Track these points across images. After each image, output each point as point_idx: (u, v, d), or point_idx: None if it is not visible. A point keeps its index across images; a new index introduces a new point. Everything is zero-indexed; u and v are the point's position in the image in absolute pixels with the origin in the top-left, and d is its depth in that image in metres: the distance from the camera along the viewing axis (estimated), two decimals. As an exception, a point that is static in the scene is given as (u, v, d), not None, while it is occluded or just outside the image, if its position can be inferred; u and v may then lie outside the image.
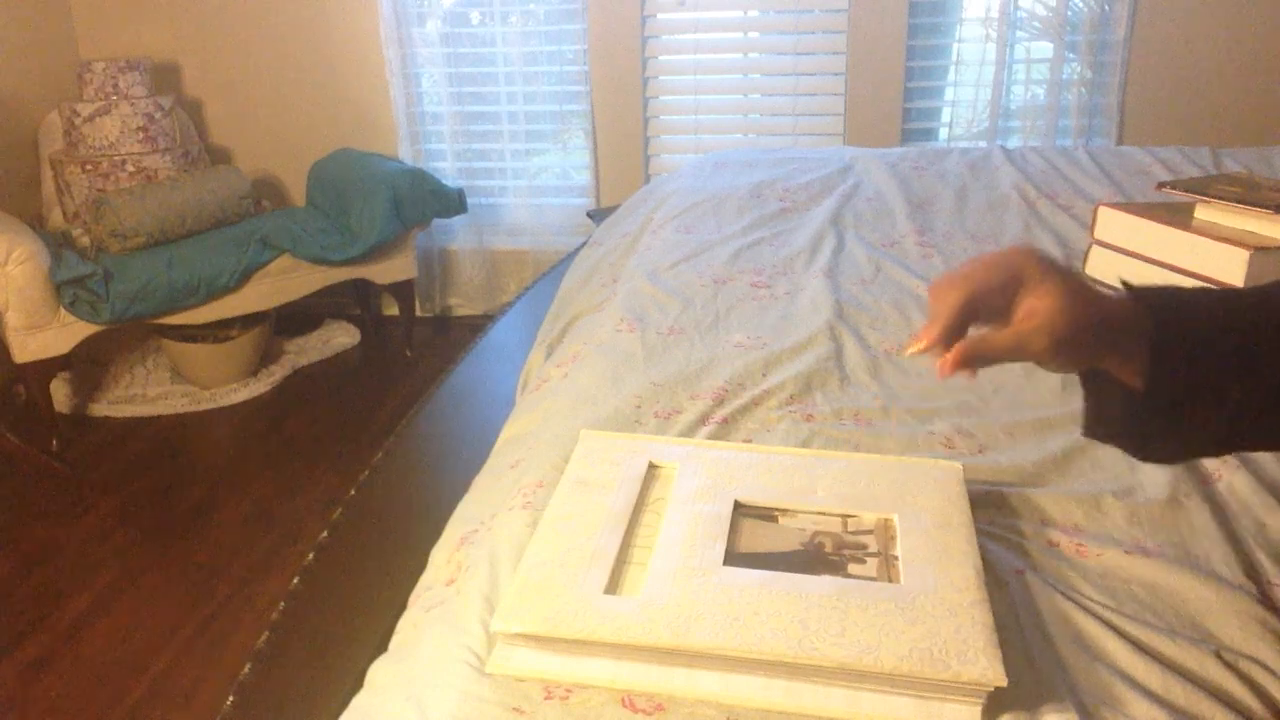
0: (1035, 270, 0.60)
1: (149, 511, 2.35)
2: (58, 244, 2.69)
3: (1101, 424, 0.64)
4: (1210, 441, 0.62)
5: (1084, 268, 1.29)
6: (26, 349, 2.53)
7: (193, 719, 1.72)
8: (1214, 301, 0.62)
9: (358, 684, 0.76)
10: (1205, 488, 0.86)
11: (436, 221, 3.23)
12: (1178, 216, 1.20)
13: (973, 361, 0.59)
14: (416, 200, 3.01)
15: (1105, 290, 0.61)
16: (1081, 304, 0.59)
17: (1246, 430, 0.61)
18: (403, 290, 3.19)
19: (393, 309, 3.37)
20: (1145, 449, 0.64)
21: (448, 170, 3.36)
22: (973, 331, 0.61)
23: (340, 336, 3.34)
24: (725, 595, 0.67)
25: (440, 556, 0.90)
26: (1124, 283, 0.62)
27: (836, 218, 1.65)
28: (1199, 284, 1.13)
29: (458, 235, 3.44)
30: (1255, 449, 0.62)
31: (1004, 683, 0.60)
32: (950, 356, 0.59)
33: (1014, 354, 0.59)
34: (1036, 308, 0.59)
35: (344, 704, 0.73)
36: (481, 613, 0.73)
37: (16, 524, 2.32)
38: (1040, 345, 0.58)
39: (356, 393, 2.99)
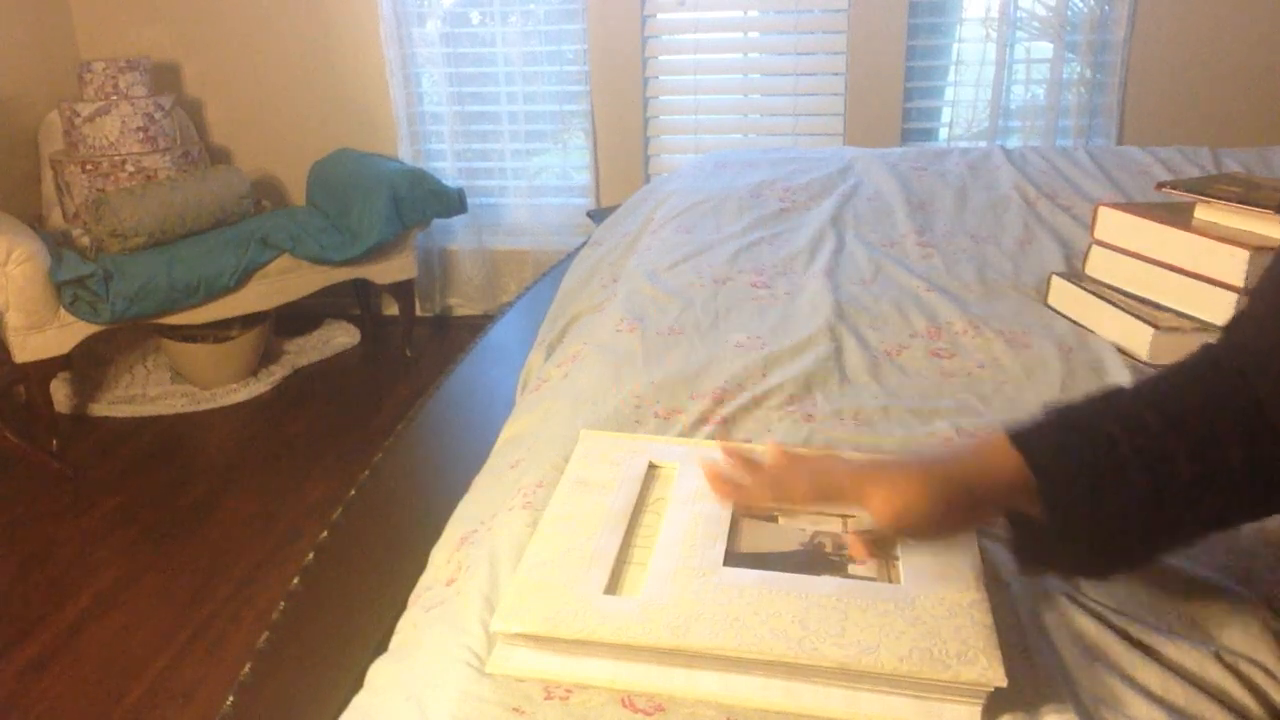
0: (861, 483, 0.64)
1: (149, 511, 2.36)
2: (58, 244, 2.69)
3: (1028, 560, 0.67)
4: (1140, 549, 0.65)
5: (1084, 268, 1.29)
6: (26, 349, 2.53)
7: (192, 719, 1.72)
8: (1093, 428, 0.64)
9: (358, 684, 0.76)
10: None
11: (436, 221, 3.23)
12: (1178, 216, 1.20)
13: (874, 546, 0.65)
14: (416, 200, 3.01)
15: (974, 451, 0.65)
16: (930, 494, 0.63)
17: (1172, 528, 0.64)
18: (403, 290, 3.19)
19: (393, 309, 3.37)
20: (1075, 572, 0.68)
21: (448, 170, 3.36)
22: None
23: (340, 336, 3.34)
24: (725, 595, 0.67)
25: (440, 556, 0.90)
26: (1007, 430, 0.65)
27: (836, 218, 1.65)
28: (1187, 289, 1.13)
29: (458, 235, 3.44)
30: (1191, 541, 0.66)
31: (1004, 683, 0.60)
32: (857, 551, 0.65)
33: (902, 534, 0.65)
34: (886, 506, 0.63)
35: (344, 704, 0.73)
36: (481, 613, 0.73)
37: (16, 524, 2.32)
38: (912, 530, 0.64)
39: (356, 393, 2.99)
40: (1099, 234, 1.28)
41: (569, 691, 0.65)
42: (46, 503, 2.41)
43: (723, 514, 0.77)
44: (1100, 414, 0.65)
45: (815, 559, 0.73)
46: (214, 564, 2.14)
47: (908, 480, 0.63)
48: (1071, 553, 0.64)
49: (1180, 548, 0.65)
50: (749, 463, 0.69)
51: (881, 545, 0.64)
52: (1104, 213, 1.28)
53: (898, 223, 1.64)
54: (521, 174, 3.38)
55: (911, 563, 0.71)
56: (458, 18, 3.28)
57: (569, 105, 3.26)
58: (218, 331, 2.91)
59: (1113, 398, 0.66)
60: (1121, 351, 1.14)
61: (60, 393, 2.84)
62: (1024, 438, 0.64)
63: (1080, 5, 2.86)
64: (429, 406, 1.54)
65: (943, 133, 3.14)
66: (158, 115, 2.97)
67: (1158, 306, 1.17)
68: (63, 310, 2.54)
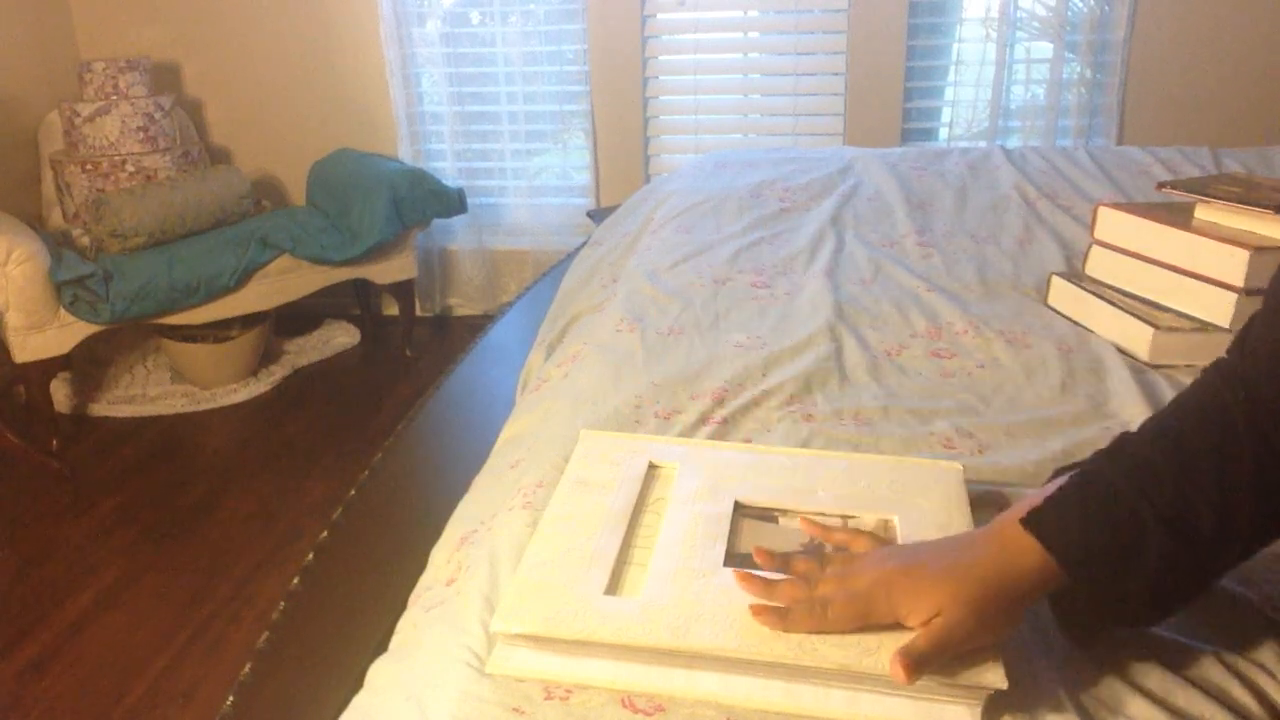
0: (893, 596, 0.63)
1: (149, 511, 2.36)
2: (58, 244, 2.69)
3: (1076, 630, 0.66)
4: (1181, 594, 0.64)
5: (1084, 268, 1.29)
6: (26, 349, 2.53)
7: (193, 719, 1.72)
8: (1109, 497, 0.63)
9: (358, 684, 0.76)
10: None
11: (436, 221, 3.23)
12: (1178, 216, 1.20)
13: (917, 671, 0.61)
14: (416, 200, 3.01)
15: (996, 543, 0.63)
16: (962, 597, 0.61)
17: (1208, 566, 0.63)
18: (403, 290, 3.19)
19: (393, 309, 3.37)
20: (1124, 624, 0.66)
21: (448, 170, 3.36)
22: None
23: (340, 336, 3.34)
24: (725, 596, 0.67)
25: (440, 556, 0.90)
26: (1022, 519, 0.63)
27: (836, 218, 1.65)
28: (1187, 289, 1.13)
29: (458, 235, 3.44)
30: (1225, 571, 0.65)
31: (1004, 685, 0.60)
32: (900, 671, 0.60)
33: (948, 653, 0.61)
34: (919, 619, 0.62)
35: (344, 704, 0.73)
36: (481, 613, 0.73)
37: (16, 524, 2.32)
38: (955, 643, 0.61)
39: (356, 393, 2.99)
40: (1099, 234, 1.28)
41: (569, 692, 0.65)
42: (46, 503, 2.41)
43: (723, 514, 0.77)
44: (1114, 477, 0.63)
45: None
46: (214, 564, 2.14)
47: (935, 587, 0.62)
48: (1115, 614, 0.64)
49: (1208, 587, 0.64)
50: (781, 561, 0.69)
51: (920, 662, 0.60)
52: (1104, 213, 1.28)
53: (898, 223, 1.64)
54: (521, 174, 3.38)
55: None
56: (458, 18, 3.28)
57: (569, 105, 3.26)
58: (218, 331, 2.91)
59: (1124, 454, 0.65)
60: (1121, 351, 1.14)
61: (60, 393, 2.84)
62: (1040, 522, 0.62)
63: (1080, 5, 2.86)
64: (429, 406, 1.54)
65: (943, 133, 3.14)
66: (158, 115, 2.97)
67: (1158, 306, 1.17)
68: (63, 310, 2.54)
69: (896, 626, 0.63)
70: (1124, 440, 0.67)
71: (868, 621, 0.63)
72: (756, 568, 0.70)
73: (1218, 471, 0.62)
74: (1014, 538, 0.63)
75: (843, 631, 0.62)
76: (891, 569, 0.64)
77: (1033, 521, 0.63)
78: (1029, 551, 0.62)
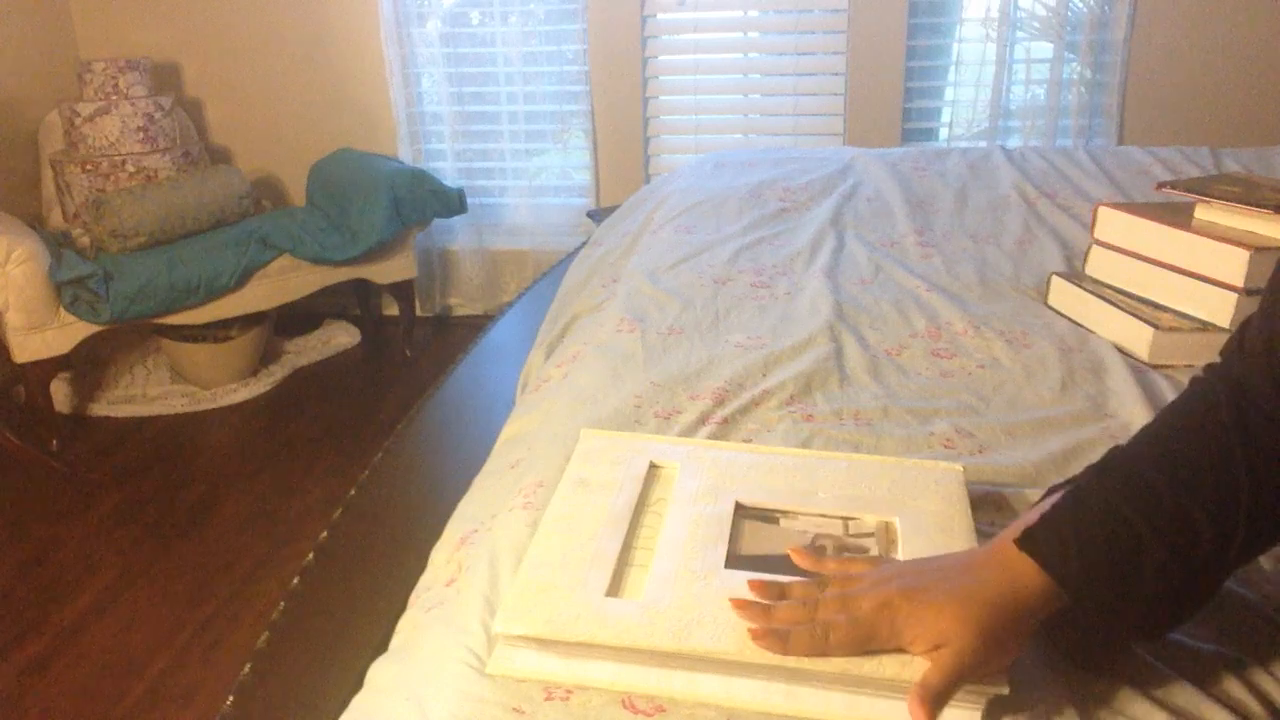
0: (895, 621, 0.62)
1: (149, 511, 2.36)
2: (58, 244, 2.69)
3: (1076, 651, 0.66)
4: (1182, 607, 0.63)
5: (1084, 268, 1.29)
6: (26, 349, 2.53)
7: (193, 719, 1.72)
8: (1105, 511, 0.62)
9: (358, 684, 0.76)
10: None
11: (436, 221, 3.23)
12: (1178, 216, 1.20)
13: (937, 706, 0.60)
14: (416, 200, 3.01)
15: (997, 564, 0.63)
16: (967, 618, 0.60)
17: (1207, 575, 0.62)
18: (403, 290, 3.19)
19: (393, 309, 3.37)
20: (1129, 639, 0.66)
21: (448, 170, 3.36)
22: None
23: (340, 336, 3.34)
24: (727, 598, 0.67)
25: (440, 556, 0.90)
26: (1017, 540, 0.63)
27: (836, 218, 1.65)
28: (1187, 289, 1.13)
29: (458, 235, 3.44)
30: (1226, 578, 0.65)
31: (1005, 690, 0.60)
32: (920, 710, 0.59)
33: (963, 681, 0.60)
34: (925, 645, 0.61)
35: (344, 704, 0.73)
36: (482, 613, 0.73)
37: (16, 524, 2.32)
38: (964, 668, 0.60)
39: (356, 393, 2.99)
40: (1099, 234, 1.28)
41: (569, 692, 0.65)
42: (46, 503, 2.41)
43: (724, 515, 0.77)
44: (1108, 492, 0.63)
45: (815, 560, 0.73)
46: (214, 564, 2.14)
47: (940, 614, 0.61)
48: (1119, 629, 0.63)
49: (1211, 595, 0.64)
50: (778, 593, 0.68)
51: (938, 698, 0.59)
52: (1104, 213, 1.28)
53: (898, 223, 1.64)
54: (521, 174, 3.38)
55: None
56: (458, 18, 3.28)
57: (569, 105, 3.26)
58: (218, 331, 2.91)
59: (1116, 468, 0.64)
60: (1121, 351, 1.14)
61: (60, 393, 2.84)
62: (1035, 541, 0.62)
63: (1080, 5, 2.86)
64: (429, 406, 1.54)
65: (943, 133, 3.14)
66: (158, 115, 2.97)
67: (1158, 306, 1.17)
68: (63, 310, 2.54)
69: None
70: (1115, 454, 0.66)
71: (870, 647, 0.62)
72: (757, 569, 0.70)
73: (1212, 479, 0.61)
74: (1014, 558, 0.62)
75: (844, 656, 0.62)
76: (894, 592, 0.63)
77: (1028, 542, 0.62)
78: (1030, 572, 0.61)
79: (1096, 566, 0.60)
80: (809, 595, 0.66)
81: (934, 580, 0.63)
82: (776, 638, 0.63)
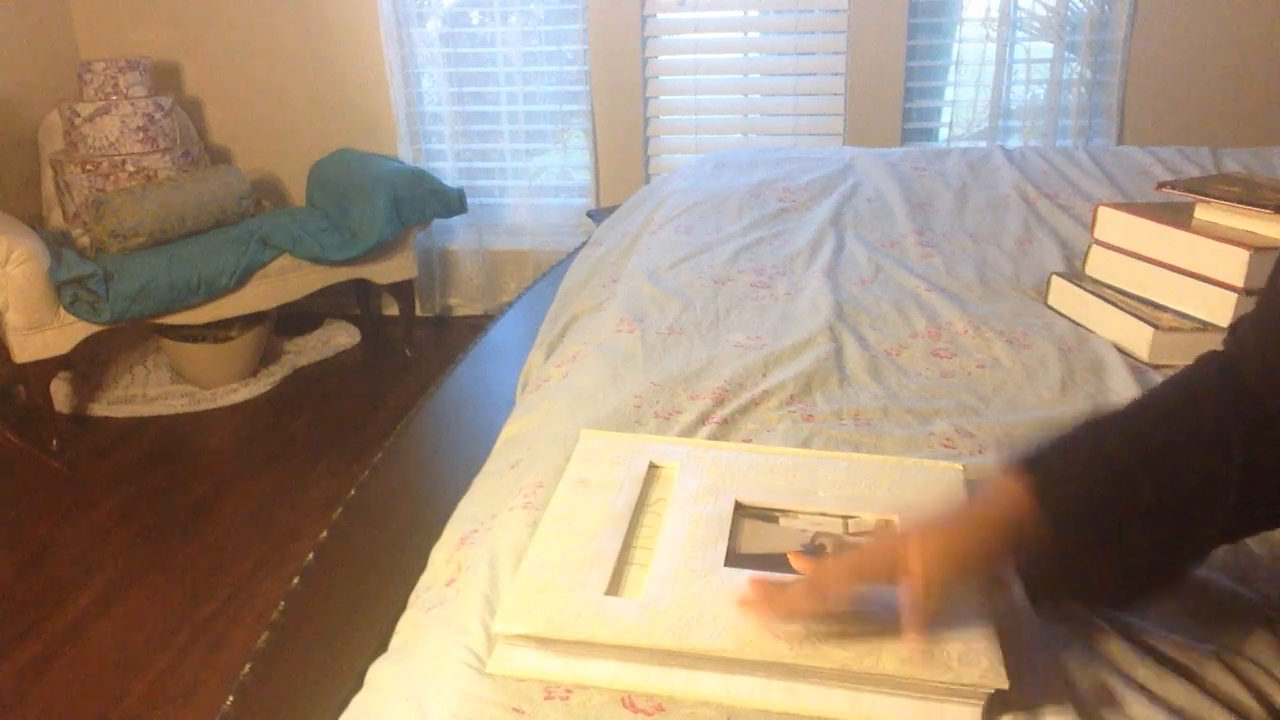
0: (893, 543, 0.63)
1: (149, 511, 2.35)
2: (58, 244, 2.69)
3: (1041, 590, 0.68)
4: (1152, 566, 0.64)
5: (1084, 268, 1.29)
6: (26, 349, 2.53)
7: (193, 719, 1.72)
8: (1093, 444, 0.63)
9: (358, 684, 0.76)
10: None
11: (436, 221, 3.23)
12: (1178, 216, 1.20)
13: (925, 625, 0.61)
14: (416, 200, 3.01)
15: (984, 497, 0.64)
16: (960, 533, 0.62)
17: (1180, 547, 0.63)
18: (403, 290, 3.19)
19: (393, 309, 3.37)
20: (1091, 597, 0.67)
21: (448, 170, 3.36)
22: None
23: (340, 336, 3.34)
24: (726, 597, 0.67)
25: (440, 556, 0.90)
26: (1002, 463, 0.64)
27: (836, 218, 1.65)
28: (1187, 289, 1.13)
29: (458, 235, 3.44)
30: (1202, 555, 0.65)
31: (1005, 685, 0.60)
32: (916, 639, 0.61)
33: (937, 595, 0.61)
34: (915, 560, 0.62)
35: (344, 704, 0.73)
36: (482, 613, 0.73)
37: (16, 524, 2.32)
38: (944, 576, 0.61)
39: (356, 393, 2.99)
40: (1099, 234, 1.28)
41: (569, 692, 0.66)
42: (46, 503, 2.41)
43: (723, 515, 0.77)
44: (1097, 430, 0.64)
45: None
46: (214, 564, 2.14)
47: (936, 529, 0.63)
48: (1085, 575, 0.64)
49: (1192, 564, 0.64)
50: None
51: (921, 611, 0.61)
52: (1104, 213, 1.28)
53: (898, 223, 1.64)
54: (521, 174, 3.38)
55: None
56: (458, 18, 3.28)
57: (569, 105, 3.26)
58: (218, 331, 2.90)
59: (1107, 418, 0.66)
60: (1122, 351, 1.14)
61: (60, 393, 2.84)
62: (1022, 463, 0.63)
63: (1080, 5, 2.86)
64: (429, 406, 1.54)
65: (943, 133, 3.14)
66: (158, 115, 2.97)
67: (1158, 306, 1.17)
68: (63, 310, 2.54)
69: (897, 627, 0.63)
70: (1109, 409, 0.67)
71: (865, 573, 0.63)
72: (757, 568, 0.70)
73: (1207, 441, 0.62)
74: (1000, 488, 0.64)
75: (840, 590, 0.62)
76: (889, 537, 0.66)
77: (1012, 462, 0.63)
78: (1015, 497, 0.62)
79: (1076, 487, 0.61)
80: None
81: (926, 514, 0.66)
82: (770, 602, 0.64)
